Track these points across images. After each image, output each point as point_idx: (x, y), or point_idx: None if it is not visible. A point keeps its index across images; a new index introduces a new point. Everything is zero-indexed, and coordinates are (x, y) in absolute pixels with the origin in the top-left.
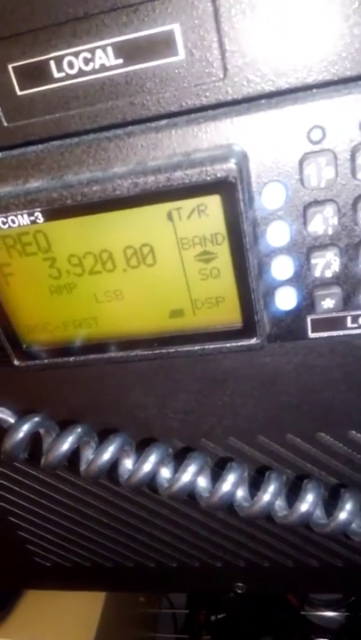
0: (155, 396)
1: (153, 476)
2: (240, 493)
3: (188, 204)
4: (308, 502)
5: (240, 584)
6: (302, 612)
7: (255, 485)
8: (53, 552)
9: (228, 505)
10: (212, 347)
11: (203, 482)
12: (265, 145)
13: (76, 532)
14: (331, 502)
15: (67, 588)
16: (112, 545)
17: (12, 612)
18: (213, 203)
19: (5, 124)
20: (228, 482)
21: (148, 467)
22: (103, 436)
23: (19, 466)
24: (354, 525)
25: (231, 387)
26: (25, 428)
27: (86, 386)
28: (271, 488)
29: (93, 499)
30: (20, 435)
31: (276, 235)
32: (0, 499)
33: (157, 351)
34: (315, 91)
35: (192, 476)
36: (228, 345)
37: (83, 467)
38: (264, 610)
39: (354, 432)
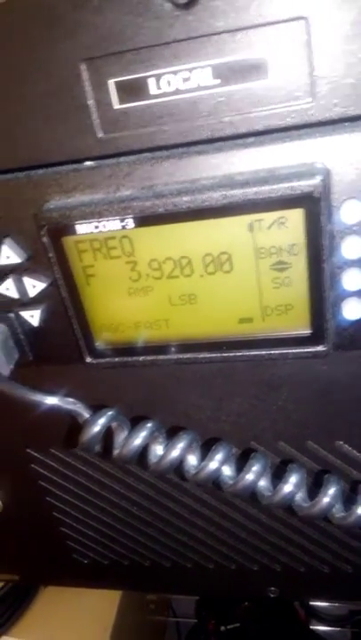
0: (211, 398)
1: (218, 473)
2: (300, 495)
3: (269, 217)
4: None
5: (273, 588)
6: (311, 627)
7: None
8: (93, 549)
9: (289, 505)
10: (278, 352)
11: (264, 482)
12: (346, 164)
13: (118, 530)
14: None
15: (99, 586)
16: (151, 544)
17: (27, 612)
18: (295, 216)
19: (101, 135)
20: (291, 483)
21: (214, 464)
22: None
23: (69, 461)
24: None
25: (286, 392)
26: (101, 421)
27: (147, 385)
28: (331, 491)
29: (138, 496)
30: (98, 428)
31: (351, 248)
32: (47, 494)
33: (225, 354)
34: None
35: (256, 475)
36: (294, 351)
37: (152, 461)
38: (272, 623)
39: None
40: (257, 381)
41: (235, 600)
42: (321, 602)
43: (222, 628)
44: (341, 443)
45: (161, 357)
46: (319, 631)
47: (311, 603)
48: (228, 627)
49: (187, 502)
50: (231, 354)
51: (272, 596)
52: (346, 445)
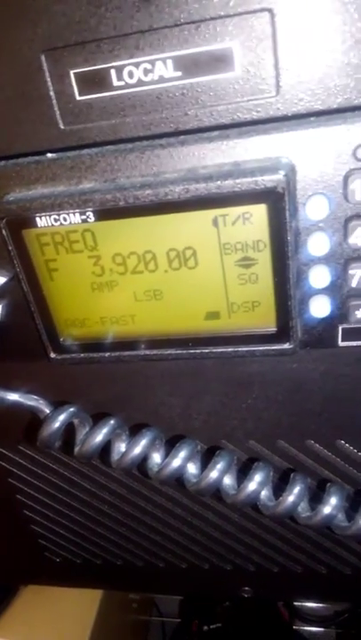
0: (180, 396)
1: (182, 471)
2: (265, 493)
3: (234, 212)
4: (331, 505)
5: (247, 588)
6: (294, 627)
7: (275, 490)
8: (65, 547)
9: (254, 503)
10: (245, 349)
11: (229, 480)
12: (312, 159)
13: (90, 529)
14: (351, 507)
15: (73, 585)
16: (124, 543)
17: (7, 611)
18: (259, 211)
19: (62, 127)
20: (255, 481)
21: (177, 462)
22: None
23: (39, 459)
24: None
25: (256, 390)
26: (61, 417)
27: (114, 382)
28: (296, 489)
29: (110, 495)
30: (57, 424)
31: (317, 245)
32: (18, 492)
33: (191, 351)
34: None
35: (220, 473)
36: (261, 348)
37: (115, 458)
38: (255, 623)
39: None
40: (227, 379)
41: (218, 600)
42: (298, 602)
43: (205, 627)
44: (312, 442)
45: (127, 353)
46: (304, 631)
47: (295, 603)
48: (211, 626)
49: (158, 501)
50: (198, 350)
51: (246, 596)
52: (316, 444)
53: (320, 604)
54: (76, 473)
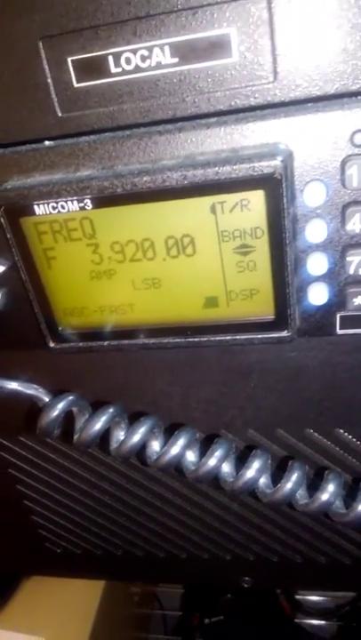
0: (179, 385)
1: (180, 458)
2: (263, 480)
3: (231, 198)
4: (329, 492)
5: (247, 578)
6: (295, 620)
7: (274, 478)
8: (65, 538)
9: (252, 490)
10: (243, 337)
11: (227, 467)
12: (310, 146)
13: (89, 519)
14: (349, 495)
15: (74, 576)
16: (124, 533)
17: (9, 602)
18: (257, 198)
19: (60, 115)
20: (253, 468)
21: (176, 449)
22: (129, 421)
23: (39, 449)
24: None
25: (255, 379)
26: (60, 405)
27: (114, 371)
28: (294, 476)
29: (110, 485)
30: (56, 412)
31: (314, 232)
32: (17, 482)
33: (190, 339)
34: (359, 97)
35: (218, 460)
36: (259, 336)
37: (113, 446)
38: (257, 616)
39: None
40: (226, 368)
41: (219, 592)
42: (300, 595)
43: (206, 620)
44: (311, 431)
45: (126, 342)
46: (305, 624)
47: (297, 596)
48: (213, 619)
49: (157, 491)
50: (196, 339)
51: (246, 585)
52: (315, 433)
53: (322, 597)
54: (76, 463)
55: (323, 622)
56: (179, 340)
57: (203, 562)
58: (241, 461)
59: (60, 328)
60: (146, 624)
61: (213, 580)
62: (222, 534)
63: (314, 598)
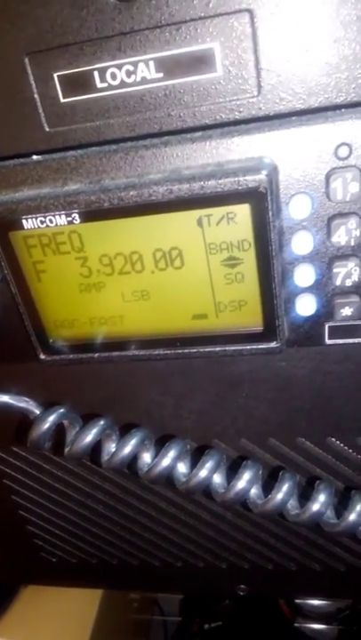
0: (171, 396)
1: (171, 470)
2: (254, 491)
3: (218, 212)
4: (320, 502)
5: (243, 586)
6: (295, 624)
7: (267, 488)
8: (60, 547)
9: (243, 501)
10: (232, 348)
11: (218, 478)
12: (294, 159)
13: (84, 529)
14: (340, 505)
15: (70, 585)
16: (119, 542)
17: (8, 611)
18: (243, 211)
19: (47, 129)
20: (244, 479)
21: (167, 461)
22: (120, 432)
23: (33, 460)
24: None
25: (246, 389)
26: (51, 418)
27: (106, 383)
28: (285, 487)
29: (104, 495)
30: (47, 425)
31: (301, 244)
32: (12, 493)
33: (179, 351)
34: (343, 110)
35: (209, 472)
36: (248, 347)
37: (105, 458)
38: (257, 621)
39: None
40: (216, 379)
41: (219, 598)
42: (300, 599)
43: (206, 626)
44: (303, 440)
45: (116, 354)
46: (306, 628)
47: (297, 600)
48: (213, 625)
49: (152, 501)
50: (186, 350)
51: (241, 593)
52: (307, 442)
53: (322, 602)
54: (70, 474)
55: (323, 626)
56: (168, 351)
57: (198, 570)
58: (233, 472)
59: (50, 340)
60: (145, 630)
61: (209, 588)
62: (217, 543)
63: (314, 602)
